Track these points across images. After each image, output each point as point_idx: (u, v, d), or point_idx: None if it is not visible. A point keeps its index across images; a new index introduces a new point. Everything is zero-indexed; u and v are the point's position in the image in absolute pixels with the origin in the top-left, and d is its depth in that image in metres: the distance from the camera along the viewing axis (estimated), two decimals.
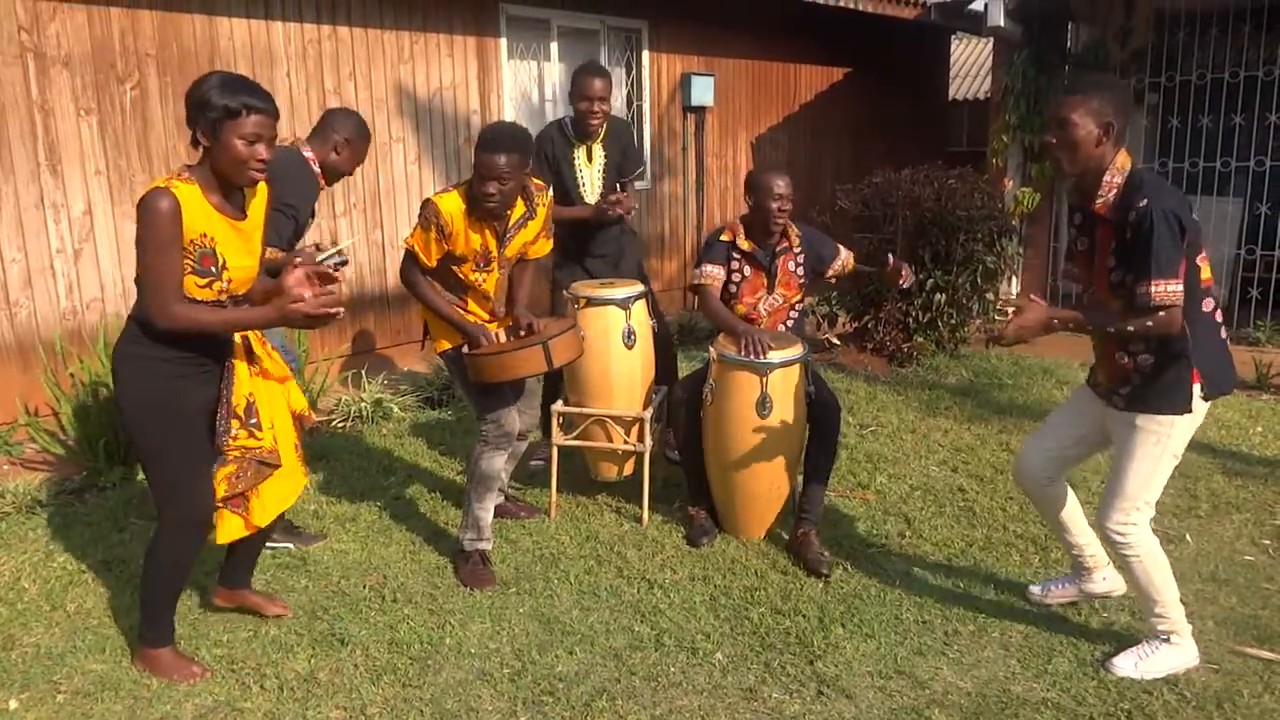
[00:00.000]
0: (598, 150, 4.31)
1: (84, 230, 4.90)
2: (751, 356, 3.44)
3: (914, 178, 6.32)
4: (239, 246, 2.61)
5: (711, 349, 3.62)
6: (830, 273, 3.95)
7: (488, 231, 3.30)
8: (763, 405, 3.45)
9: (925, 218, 6.12)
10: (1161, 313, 2.51)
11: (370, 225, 6.11)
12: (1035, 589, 3.21)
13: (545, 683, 2.77)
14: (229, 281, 2.59)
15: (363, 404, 5.17)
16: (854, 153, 10.02)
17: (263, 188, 2.70)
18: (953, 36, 12.84)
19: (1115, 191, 2.65)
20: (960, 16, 8.76)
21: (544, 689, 2.74)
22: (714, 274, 3.78)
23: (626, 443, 3.88)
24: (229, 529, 2.76)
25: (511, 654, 2.92)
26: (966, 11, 8.56)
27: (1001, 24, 7.37)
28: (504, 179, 3.14)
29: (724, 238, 3.80)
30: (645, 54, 7.85)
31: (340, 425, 5.08)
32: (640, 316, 3.92)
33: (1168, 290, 2.49)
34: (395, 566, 3.49)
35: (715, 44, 8.46)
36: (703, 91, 8.16)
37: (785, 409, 3.50)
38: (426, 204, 3.26)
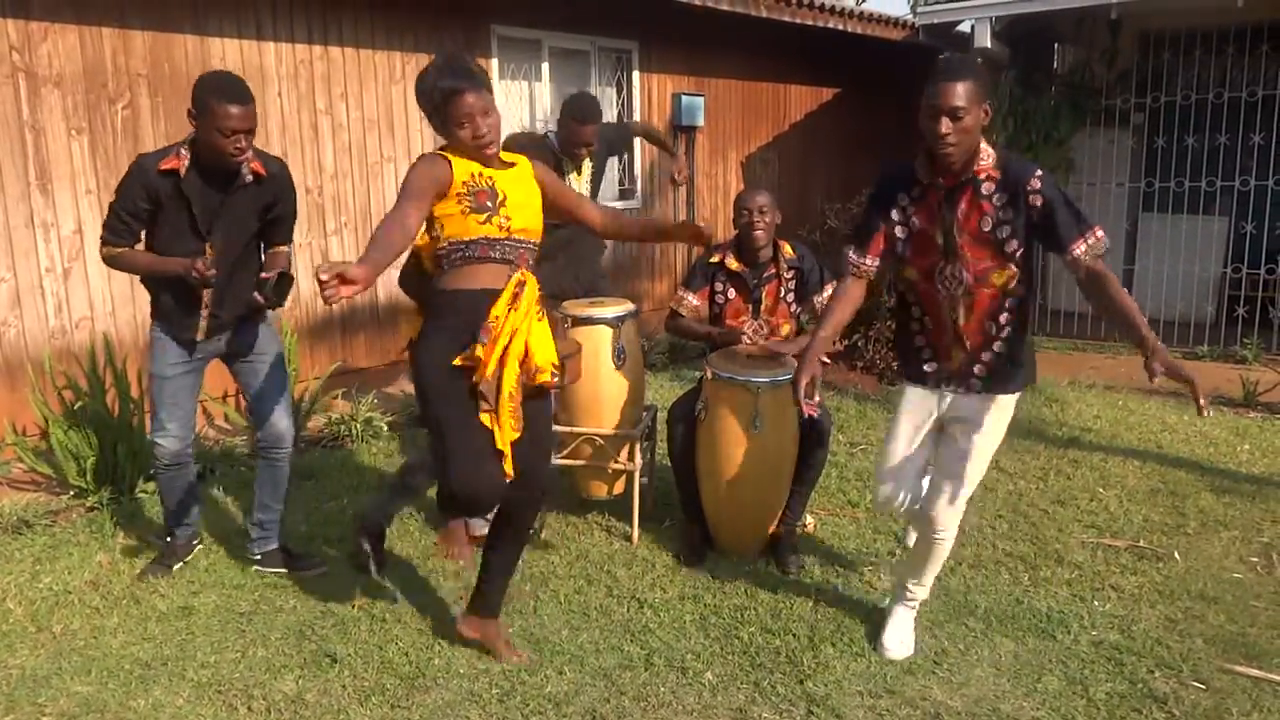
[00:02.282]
0: (585, 163, 4.42)
1: (74, 249, 4.90)
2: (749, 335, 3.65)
3: None
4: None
5: (705, 366, 3.63)
6: (815, 304, 3.80)
7: None
8: (755, 423, 3.46)
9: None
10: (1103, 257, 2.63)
11: (361, 244, 6.12)
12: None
13: (534, 703, 2.76)
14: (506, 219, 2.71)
15: (352, 422, 5.16)
16: (844, 172, 10.07)
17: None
18: (941, 57, 12.95)
19: (989, 158, 2.67)
20: (948, 38, 8.86)
21: (533, 709, 2.73)
22: (690, 304, 3.84)
23: (616, 462, 3.88)
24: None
25: (500, 674, 2.91)
26: (954, 33, 8.66)
27: (988, 45, 7.45)
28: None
29: (713, 259, 3.82)
30: (636, 74, 7.90)
31: (329, 444, 5.07)
32: (631, 335, 3.93)
33: (1101, 235, 2.62)
34: (384, 587, 3.47)
35: (705, 64, 8.51)
36: (693, 112, 8.21)
37: (778, 427, 3.51)
38: None
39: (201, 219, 3.20)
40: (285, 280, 3.28)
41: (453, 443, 2.63)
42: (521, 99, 7.14)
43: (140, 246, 3.25)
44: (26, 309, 4.78)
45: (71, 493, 4.26)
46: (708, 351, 3.90)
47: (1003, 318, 2.74)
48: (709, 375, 3.59)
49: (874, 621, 3.19)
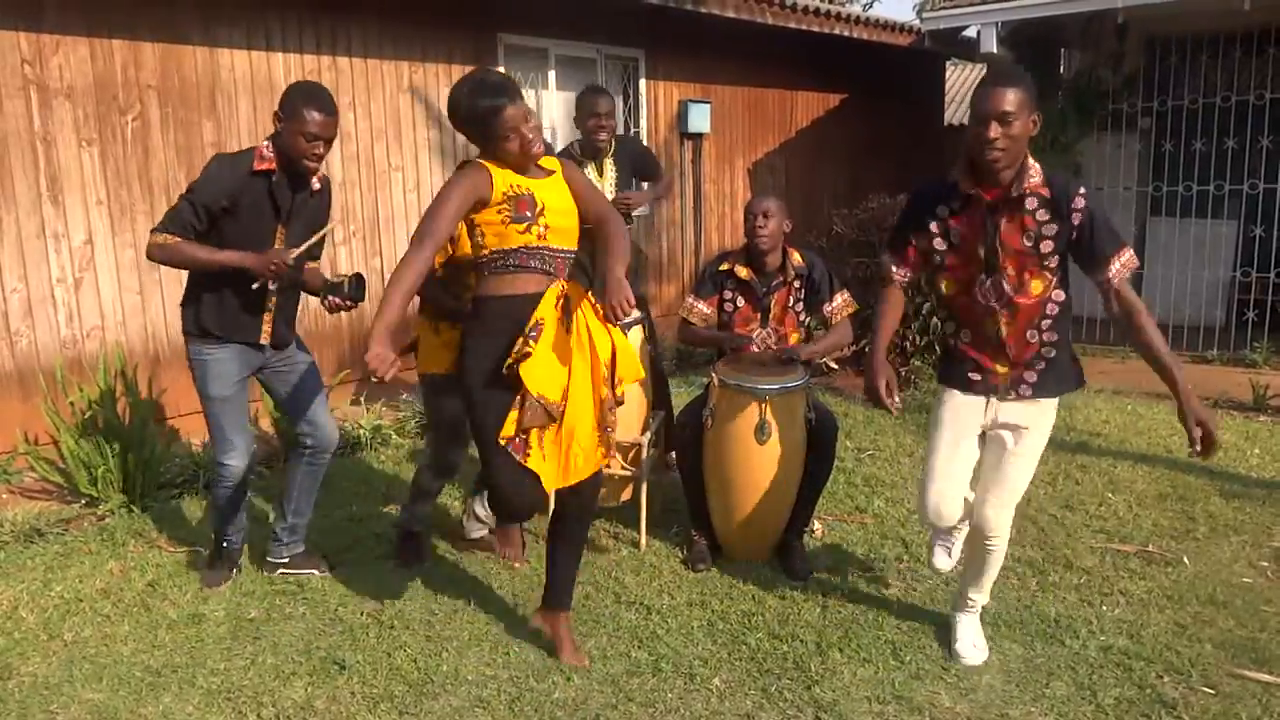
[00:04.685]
0: (609, 165, 4.47)
1: (84, 259, 4.94)
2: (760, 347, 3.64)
3: None
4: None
5: (712, 373, 3.64)
6: (824, 313, 3.85)
7: None
8: (762, 431, 3.46)
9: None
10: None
11: (370, 253, 6.15)
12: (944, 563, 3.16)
13: (542, 709, 2.76)
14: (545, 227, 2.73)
15: (361, 430, 5.19)
16: (851, 178, 10.08)
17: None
18: (948, 62, 12.95)
19: (1037, 175, 2.65)
20: (954, 43, 8.88)
21: (541, 716, 2.74)
22: (699, 311, 3.84)
23: (624, 468, 3.88)
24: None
25: (509, 680, 2.92)
26: (960, 38, 8.67)
27: (994, 50, 7.46)
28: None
29: (723, 267, 3.82)
30: (642, 82, 7.92)
31: (338, 451, 5.08)
32: (638, 342, 3.93)
33: (1131, 254, 2.65)
34: (393, 593, 3.49)
35: (712, 72, 8.54)
36: (700, 119, 8.24)
37: (785, 434, 3.51)
38: None
39: (284, 221, 3.24)
40: (361, 278, 3.31)
41: (491, 454, 2.71)
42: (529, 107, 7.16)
43: None
44: (38, 319, 4.81)
45: (83, 501, 4.29)
46: (714, 358, 3.91)
47: (1044, 324, 2.74)
48: (716, 382, 3.60)
49: (881, 627, 3.19)
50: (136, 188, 5.10)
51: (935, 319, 6.16)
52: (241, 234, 3.18)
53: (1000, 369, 2.79)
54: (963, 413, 2.86)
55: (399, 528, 3.80)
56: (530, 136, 2.68)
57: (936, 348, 6.30)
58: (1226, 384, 6.13)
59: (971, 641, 3.02)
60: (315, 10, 5.71)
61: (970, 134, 2.60)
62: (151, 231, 3.18)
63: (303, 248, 3.22)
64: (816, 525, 3.98)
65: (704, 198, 8.65)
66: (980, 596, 3.06)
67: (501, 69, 6.78)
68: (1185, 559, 3.69)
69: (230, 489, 3.44)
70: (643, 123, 7.96)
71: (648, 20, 7.46)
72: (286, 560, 3.62)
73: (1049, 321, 2.74)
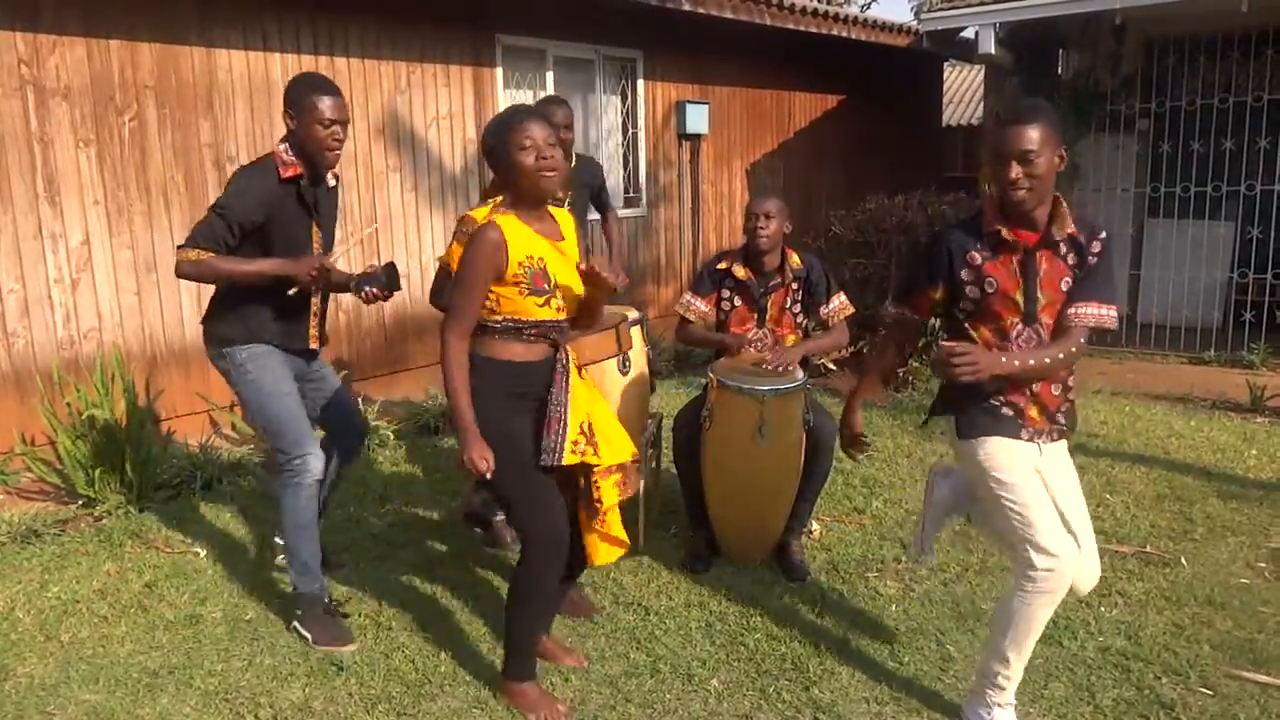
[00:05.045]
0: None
1: (82, 260, 4.93)
2: (771, 365, 3.57)
3: (907, 204, 6.38)
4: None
5: (711, 374, 3.64)
6: (822, 315, 3.86)
7: None
8: (760, 432, 3.46)
9: (919, 243, 6.17)
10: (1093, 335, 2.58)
11: (367, 255, 6.14)
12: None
13: None
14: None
15: None
16: (849, 179, 10.09)
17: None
18: (946, 63, 12.96)
19: (1071, 218, 2.54)
20: (952, 44, 8.88)
21: None
22: (697, 308, 3.83)
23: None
24: (603, 551, 2.78)
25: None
26: (958, 39, 8.67)
27: (993, 51, 7.47)
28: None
29: (720, 266, 3.82)
30: (640, 83, 7.92)
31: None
32: (636, 343, 3.93)
33: (1114, 316, 2.56)
34: (390, 594, 3.49)
35: (710, 72, 8.54)
36: (697, 119, 8.24)
37: (783, 436, 3.51)
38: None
39: (322, 223, 3.21)
40: (393, 266, 3.19)
41: (512, 486, 2.67)
42: None
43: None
44: (35, 319, 4.80)
45: (80, 502, 4.28)
46: (714, 358, 3.91)
47: (1072, 366, 2.62)
48: (714, 383, 3.59)
49: (880, 627, 3.19)
50: (134, 188, 5.09)
51: (933, 321, 6.16)
52: (284, 242, 3.11)
53: (1033, 413, 2.61)
54: (1024, 460, 2.57)
55: (473, 516, 3.86)
56: (547, 156, 2.55)
57: (934, 350, 6.30)
58: (1224, 385, 6.13)
59: None
60: (313, 11, 5.70)
61: (994, 175, 2.50)
62: (179, 247, 3.03)
63: (341, 250, 3.13)
64: (815, 526, 3.98)
65: (702, 199, 8.65)
66: (1021, 665, 2.61)
67: (499, 70, 6.78)
68: (1183, 560, 3.70)
69: (308, 490, 3.17)
70: (640, 123, 7.97)
71: (646, 21, 7.46)
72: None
73: (1069, 370, 2.63)
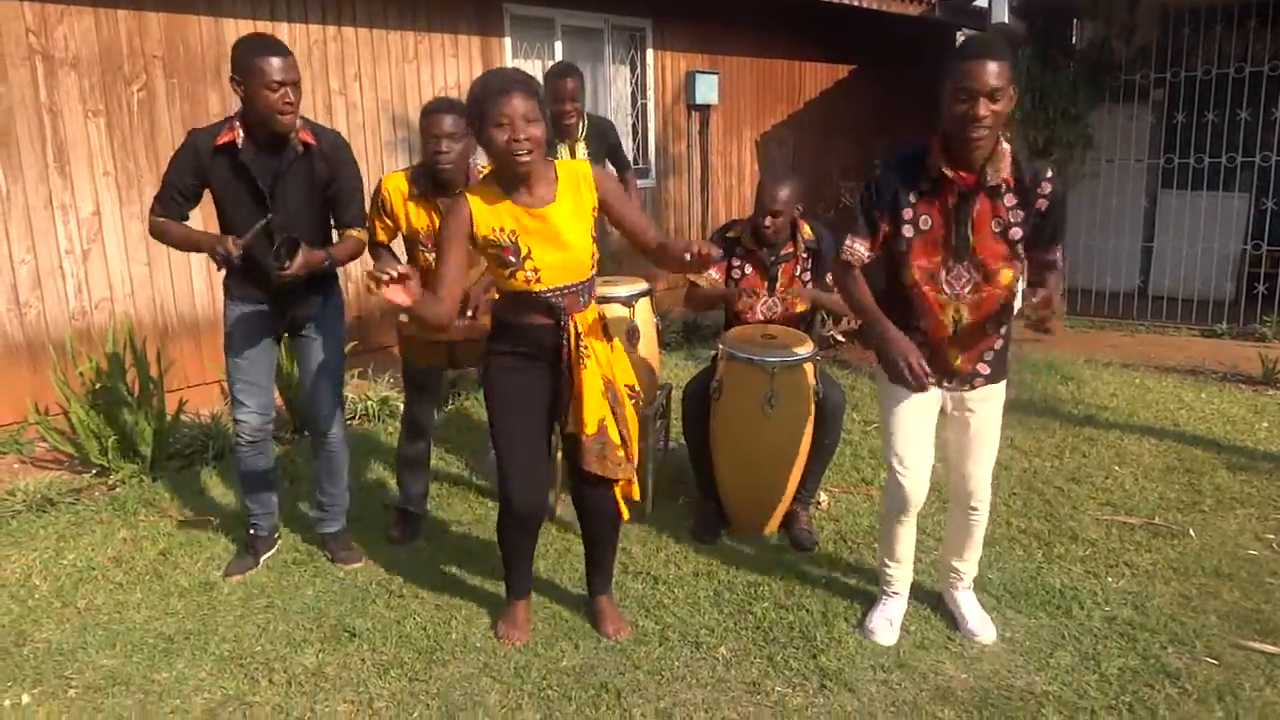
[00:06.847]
0: (580, 149, 4.42)
1: (92, 230, 4.94)
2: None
3: None
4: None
5: (720, 345, 3.64)
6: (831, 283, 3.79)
7: (432, 211, 3.34)
8: (769, 402, 3.47)
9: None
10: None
11: None
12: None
13: (551, 677, 2.79)
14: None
15: (369, 402, 5.20)
16: (859, 150, 10.01)
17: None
18: (958, 33, 12.81)
19: (1009, 160, 2.57)
20: (965, 13, 8.79)
21: (549, 683, 2.77)
22: (710, 276, 3.79)
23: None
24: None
25: (517, 648, 2.94)
26: (971, 8, 8.58)
27: (1005, 20, 7.37)
28: (452, 138, 3.22)
29: (731, 234, 3.80)
30: (650, 52, 7.86)
31: (348, 423, 5.10)
32: (644, 314, 3.93)
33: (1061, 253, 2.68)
34: (402, 562, 3.52)
35: (719, 42, 8.47)
36: (707, 89, 8.18)
37: (792, 407, 3.52)
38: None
39: (264, 189, 3.09)
40: (291, 244, 3.02)
41: (507, 443, 2.80)
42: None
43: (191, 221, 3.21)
44: (47, 290, 4.83)
45: (94, 471, 4.32)
46: (723, 328, 3.90)
47: (1004, 315, 2.70)
48: (723, 354, 3.60)
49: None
50: (143, 159, 5.09)
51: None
52: (231, 205, 3.12)
53: (954, 360, 2.71)
54: (921, 406, 2.78)
55: (396, 509, 3.84)
56: (522, 136, 2.47)
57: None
58: (1236, 358, 6.11)
59: (980, 618, 3.01)
60: None
61: (955, 112, 2.45)
62: (149, 211, 3.20)
63: (248, 235, 3.03)
64: (823, 497, 3.99)
65: (711, 170, 8.60)
66: (971, 570, 3.06)
67: (508, 40, 6.73)
68: (1191, 531, 3.70)
69: (245, 449, 3.36)
70: (650, 94, 7.91)
71: None
72: (324, 533, 3.60)
73: (1007, 311, 2.70)
